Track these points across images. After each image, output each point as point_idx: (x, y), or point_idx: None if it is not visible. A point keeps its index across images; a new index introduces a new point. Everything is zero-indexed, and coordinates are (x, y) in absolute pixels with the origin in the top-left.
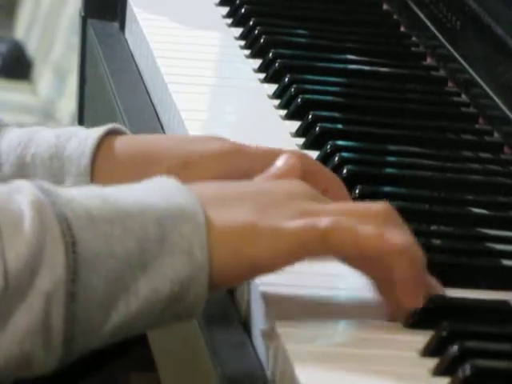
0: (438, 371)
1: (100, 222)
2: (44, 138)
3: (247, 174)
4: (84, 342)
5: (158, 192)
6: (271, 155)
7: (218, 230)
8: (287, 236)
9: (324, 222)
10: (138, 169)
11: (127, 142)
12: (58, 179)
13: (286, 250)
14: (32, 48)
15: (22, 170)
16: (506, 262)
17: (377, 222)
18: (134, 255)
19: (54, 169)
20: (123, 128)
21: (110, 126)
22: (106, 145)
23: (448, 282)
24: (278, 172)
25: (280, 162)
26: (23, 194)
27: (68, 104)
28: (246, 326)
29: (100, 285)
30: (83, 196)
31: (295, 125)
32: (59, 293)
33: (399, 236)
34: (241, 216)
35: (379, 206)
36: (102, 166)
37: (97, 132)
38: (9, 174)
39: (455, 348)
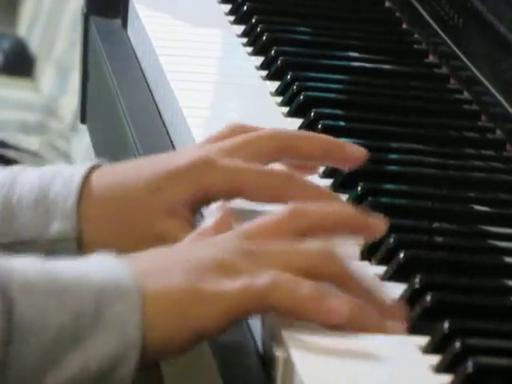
0: (440, 368)
1: (37, 294)
2: (28, 179)
3: (222, 190)
4: None
5: (96, 268)
6: (242, 172)
7: (156, 302)
8: (228, 299)
9: (261, 282)
10: (117, 205)
11: (105, 179)
12: (45, 221)
13: (228, 313)
14: (34, 45)
15: (9, 211)
16: (509, 260)
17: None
18: (68, 329)
19: (40, 212)
20: (101, 162)
21: (92, 163)
22: (88, 183)
23: (450, 279)
24: (209, 230)
25: (209, 219)
26: None
27: (70, 101)
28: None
29: (31, 356)
30: (25, 266)
31: (297, 122)
32: None
33: (338, 301)
34: (178, 283)
35: (315, 254)
36: (87, 206)
37: (80, 172)
38: None
39: (457, 345)
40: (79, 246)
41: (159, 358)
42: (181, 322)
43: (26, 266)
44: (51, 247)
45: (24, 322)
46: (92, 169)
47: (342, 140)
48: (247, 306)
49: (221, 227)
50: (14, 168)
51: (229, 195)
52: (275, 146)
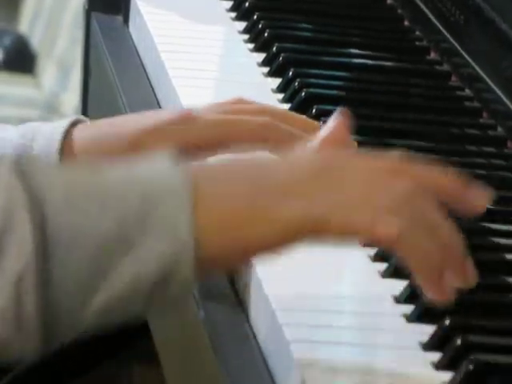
0: (441, 366)
1: (77, 199)
2: (10, 137)
3: (203, 143)
4: (64, 328)
5: (146, 169)
6: (223, 124)
7: (210, 206)
8: (282, 224)
9: (319, 211)
10: (102, 156)
11: (87, 132)
12: None
13: (280, 236)
14: (36, 41)
15: None
16: (510, 256)
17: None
18: (113, 235)
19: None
20: (83, 118)
21: (71, 118)
22: (70, 139)
23: None
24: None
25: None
26: None
27: (72, 98)
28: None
29: (76, 266)
30: (65, 170)
31: None
32: (29, 276)
33: (395, 221)
34: (236, 196)
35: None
36: (69, 160)
37: (61, 127)
38: None
39: (458, 342)
40: None
41: (211, 268)
42: (232, 235)
43: (71, 171)
44: None
45: (64, 232)
46: (73, 124)
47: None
48: (302, 234)
49: (337, 136)
50: None
51: (211, 147)
52: (261, 124)
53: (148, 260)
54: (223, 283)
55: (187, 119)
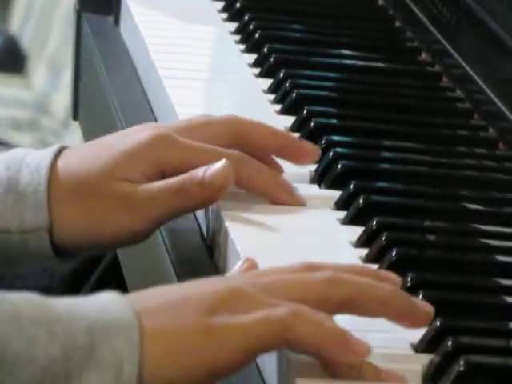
0: (432, 367)
1: (25, 322)
2: None
3: (179, 166)
4: None
5: (93, 303)
6: (205, 152)
7: (161, 340)
8: (244, 332)
9: (281, 311)
10: (82, 191)
11: (72, 161)
12: (17, 213)
13: (246, 348)
14: (26, 41)
15: None
16: (501, 258)
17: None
18: (58, 363)
19: (11, 204)
20: (66, 145)
21: (55, 148)
22: (56, 169)
23: (442, 278)
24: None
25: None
26: None
27: (63, 98)
28: None
29: None
30: (17, 297)
31: (290, 120)
32: None
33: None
34: (187, 320)
35: (326, 284)
36: (56, 195)
37: (46, 159)
38: None
39: (449, 343)
40: (50, 234)
41: None
42: (190, 361)
43: (18, 296)
44: (24, 236)
45: (10, 354)
46: (57, 155)
47: (295, 137)
48: (267, 339)
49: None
50: None
51: (183, 171)
52: (233, 132)
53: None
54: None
55: (165, 142)
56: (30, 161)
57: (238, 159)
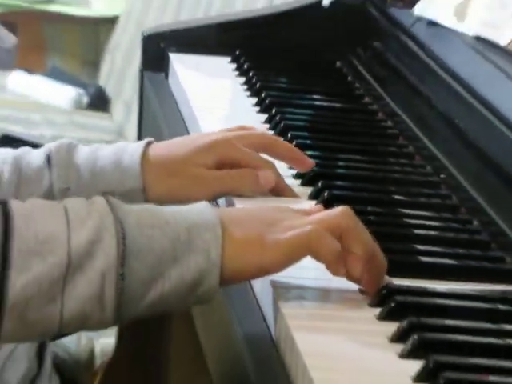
0: (404, 355)
1: (145, 227)
2: (106, 155)
3: (238, 164)
4: (128, 311)
5: (194, 210)
6: (252, 156)
7: (232, 240)
8: (284, 245)
9: (306, 230)
10: (167, 171)
11: (157, 150)
12: (120, 181)
13: (284, 255)
14: (110, 90)
15: (96, 177)
16: (423, 247)
17: (340, 229)
18: (168, 251)
19: (116, 178)
20: (152, 140)
21: (145, 141)
22: (146, 154)
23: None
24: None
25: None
26: (95, 204)
27: (133, 127)
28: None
29: (142, 270)
30: (138, 209)
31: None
32: (111, 272)
33: (359, 245)
34: (251, 232)
35: (340, 214)
36: (147, 171)
37: (139, 148)
38: (86, 179)
39: (415, 338)
40: (144, 195)
41: (233, 281)
42: (250, 259)
43: (140, 208)
44: (125, 195)
45: (135, 247)
46: (147, 145)
47: (301, 152)
48: (297, 250)
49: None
50: (94, 145)
51: (237, 165)
52: (262, 142)
53: (188, 270)
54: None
55: (226, 144)
56: (128, 149)
57: (273, 166)
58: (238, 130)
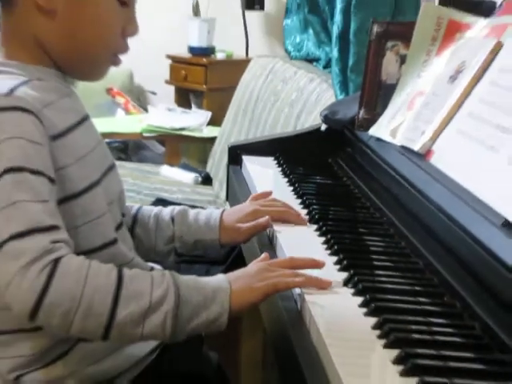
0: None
1: (190, 289)
2: (201, 218)
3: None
4: (177, 335)
5: (216, 281)
6: (281, 213)
7: (234, 291)
8: (264, 289)
9: (275, 280)
10: (231, 226)
11: (228, 214)
12: (208, 234)
13: (265, 294)
14: (212, 174)
15: (196, 230)
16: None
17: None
18: (201, 303)
19: (206, 231)
20: (225, 208)
21: (221, 209)
22: (222, 215)
23: None
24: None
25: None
26: (166, 275)
27: (223, 194)
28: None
29: (187, 313)
30: (189, 279)
31: None
32: (170, 313)
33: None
34: (244, 284)
35: (285, 264)
36: (222, 228)
37: (218, 215)
38: (191, 231)
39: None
40: (219, 242)
41: (238, 314)
42: (245, 301)
43: (187, 278)
44: (209, 242)
45: (184, 299)
46: (222, 212)
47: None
48: (268, 291)
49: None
50: (196, 210)
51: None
52: (280, 210)
53: (211, 313)
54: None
55: (257, 211)
56: (213, 214)
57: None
58: (263, 196)
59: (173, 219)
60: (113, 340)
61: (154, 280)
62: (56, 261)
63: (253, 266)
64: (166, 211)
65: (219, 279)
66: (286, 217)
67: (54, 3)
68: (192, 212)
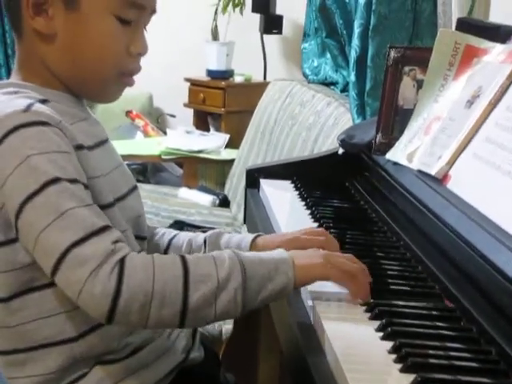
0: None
1: (255, 264)
2: (234, 241)
3: (304, 246)
4: (247, 307)
5: (276, 254)
6: (314, 242)
7: (297, 266)
8: (321, 268)
9: (332, 260)
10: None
11: (261, 243)
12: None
13: (322, 273)
14: (230, 196)
15: (219, 250)
16: None
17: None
18: (266, 275)
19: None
20: (261, 233)
21: (255, 234)
22: (255, 243)
23: None
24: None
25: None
26: (228, 252)
27: (241, 217)
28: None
29: (254, 286)
30: (251, 255)
31: None
32: (239, 288)
33: (351, 265)
34: (306, 261)
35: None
36: (254, 249)
37: (250, 239)
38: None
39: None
40: None
41: (301, 286)
42: (306, 275)
43: (252, 254)
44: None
45: (250, 274)
46: (256, 236)
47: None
48: (328, 271)
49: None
50: (230, 234)
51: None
52: (322, 241)
53: (277, 284)
54: None
55: (296, 238)
56: (246, 238)
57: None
58: (316, 233)
59: (205, 241)
60: (188, 325)
61: (216, 260)
62: (121, 261)
63: (314, 250)
64: (202, 235)
65: (280, 252)
66: (327, 246)
67: (52, 28)
68: (227, 235)
